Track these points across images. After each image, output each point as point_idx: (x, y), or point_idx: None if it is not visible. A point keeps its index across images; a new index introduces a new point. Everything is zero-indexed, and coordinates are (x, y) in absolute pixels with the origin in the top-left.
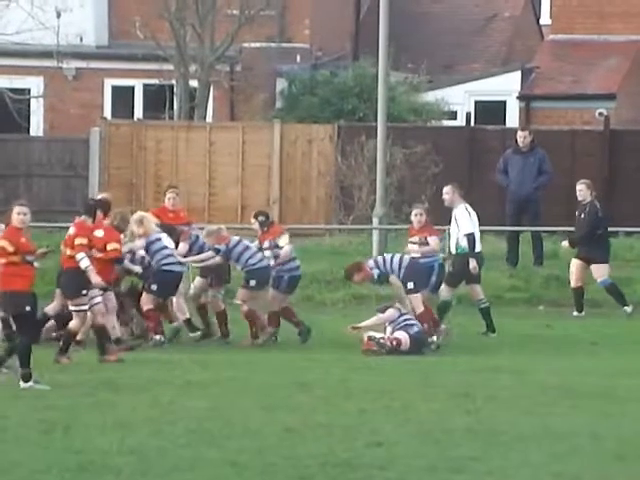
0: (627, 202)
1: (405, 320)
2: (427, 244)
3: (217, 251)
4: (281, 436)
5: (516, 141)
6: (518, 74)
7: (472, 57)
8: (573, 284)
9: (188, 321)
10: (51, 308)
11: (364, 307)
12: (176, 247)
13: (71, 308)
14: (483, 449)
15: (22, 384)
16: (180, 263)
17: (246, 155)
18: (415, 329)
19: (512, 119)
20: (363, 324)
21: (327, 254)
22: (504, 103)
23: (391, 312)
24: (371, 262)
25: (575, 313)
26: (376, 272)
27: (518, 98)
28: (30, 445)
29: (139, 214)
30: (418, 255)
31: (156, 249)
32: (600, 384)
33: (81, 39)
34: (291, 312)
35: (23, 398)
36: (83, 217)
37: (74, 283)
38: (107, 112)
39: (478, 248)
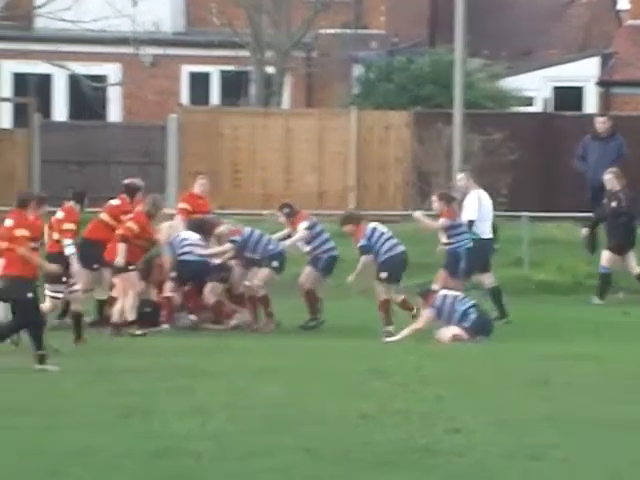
0: None
1: (454, 311)
2: (455, 229)
3: (233, 242)
4: (357, 422)
5: (595, 127)
6: (596, 60)
7: (550, 43)
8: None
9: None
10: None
11: None
12: (206, 239)
13: (46, 292)
14: (561, 436)
15: (37, 366)
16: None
17: (323, 142)
18: (471, 318)
19: (590, 105)
20: (401, 335)
21: (404, 240)
22: (582, 89)
23: (428, 315)
24: (369, 230)
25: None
26: (363, 242)
27: (597, 84)
28: (109, 429)
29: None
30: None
31: (178, 244)
32: None
33: (158, 26)
34: (314, 297)
35: (100, 383)
36: (72, 202)
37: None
38: (184, 99)
39: (489, 235)
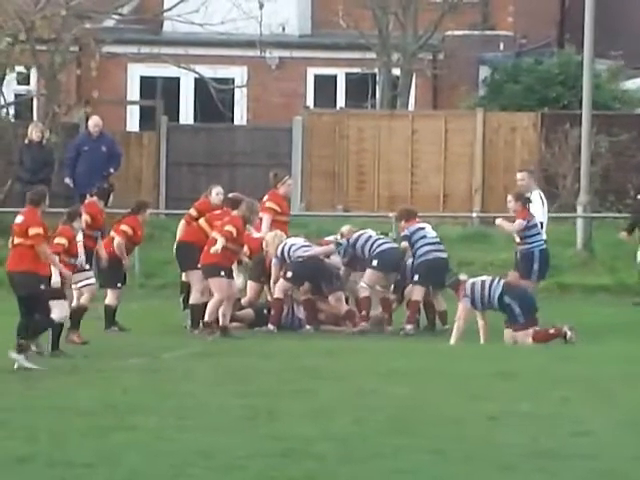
0: None
1: (488, 295)
2: (530, 230)
3: (339, 245)
4: (484, 424)
5: None
6: None
7: None
8: None
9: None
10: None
11: (567, 297)
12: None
13: (77, 285)
14: None
15: (13, 354)
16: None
17: (448, 143)
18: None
19: None
20: (453, 339)
21: None
22: None
23: (463, 306)
24: (414, 228)
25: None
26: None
27: None
28: (233, 431)
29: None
30: (519, 242)
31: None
32: None
33: (284, 29)
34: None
35: (225, 384)
36: (95, 198)
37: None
38: (309, 101)
39: (544, 237)
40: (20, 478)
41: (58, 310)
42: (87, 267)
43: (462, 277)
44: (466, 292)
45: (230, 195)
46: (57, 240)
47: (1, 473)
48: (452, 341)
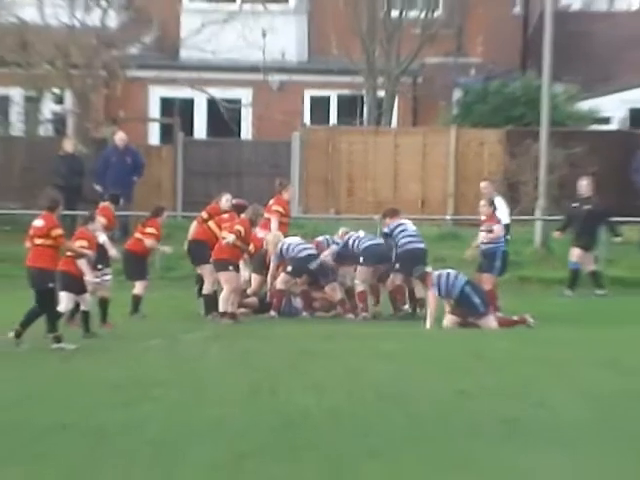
0: None
1: (453, 286)
2: (492, 231)
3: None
4: (456, 396)
5: None
6: None
7: (626, 69)
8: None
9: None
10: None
11: (527, 288)
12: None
13: (104, 278)
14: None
15: (54, 345)
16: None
17: (426, 156)
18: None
19: None
20: (428, 323)
21: None
22: None
23: (432, 295)
24: (395, 224)
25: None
26: (338, 242)
27: None
28: (241, 403)
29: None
30: (486, 241)
31: (286, 249)
32: None
33: (284, 56)
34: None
35: (232, 363)
36: (107, 203)
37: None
38: (306, 119)
39: (508, 237)
40: (62, 443)
41: (66, 301)
42: (100, 265)
43: (429, 269)
44: (433, 282)
45: (234, 201)
46: (79, 243)
47: (45, 439)
48: (427, 325)
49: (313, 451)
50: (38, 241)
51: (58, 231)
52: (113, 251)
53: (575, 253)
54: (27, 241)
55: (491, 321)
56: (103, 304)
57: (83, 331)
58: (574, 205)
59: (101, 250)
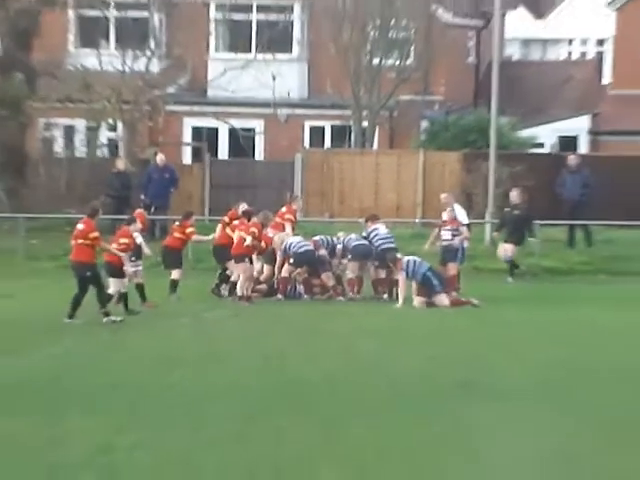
0: None
1: (416, 272)
2: (458, 231)
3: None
4: (425, 362)
5: (568, 163)
6: (588, 117)
7: (556, 105)
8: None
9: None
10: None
11: (480, 276)
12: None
13: (133, 268)
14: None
15: (105, 319)
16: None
17: (400, 173)
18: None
19: (583, 148)
20: (400, 301)
21: None
22: (577, 137)
23: (402, 277)
24: (371, 228)
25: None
26: (364, 234)
27: (588, 133)
28: (254, 369)
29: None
30: (457, 242)
31: (289, 246)
32: None
33: (289, 94)
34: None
35: (247, 336)
36: (141, 210)
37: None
38: (306, 144)
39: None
40: (115, 399)
41: (114, 285)
42: (133, 258)
43: (399, 256)
44: (402, 267)
45: (243, 209)
46: (122, 240)
47: (100, 395)
48: (399, 304)
49: (311, 409)
50: (79, 241)
51: (95, 234)
52: (147, 250)
53: (509, 248)
54: (72, 240)
55: (444, 299)
56: (140, 288)
57: (124, 308)
58: (507, 210)
59: (136, 246)
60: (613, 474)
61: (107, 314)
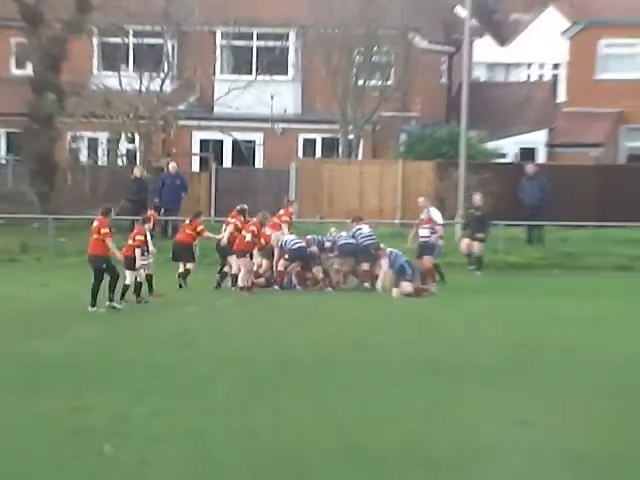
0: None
1: (396, 262)
2: (435, 230)
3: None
4: (400, 347)
5: (527, 171)
6: (545, 131)
7: (518, 121)
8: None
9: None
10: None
11: (452, 270)
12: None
13: (143, 262)
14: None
15: (111, 304)
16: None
17: (382, 180)
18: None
19: (541, 158)
20: (380, 284)
21: None
22: (536, 149)
23: (384, 264)
24: (356, 228)
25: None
26: (350, 233)
27: (546, 146)
28: (253, 348)
29: (275, 239)
30: (433, 239)
31: (285, 243)
32: None
33: (285, 110)
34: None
35: (249, 322)
36: (152, 211)
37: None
38: (300, 154)
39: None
40: (131, 375)
41: (129, 276)
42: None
43: (382, 246)
44: (385, 254)
45: (239, 208)
46: (138, 237)
47: (115, 372)
48: (378, 286)
49: (303, 384)
50: (95, 236)
51: (105, 230)
52: (152, 247)
53: (474, 245)
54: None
55: (408, 287)
56: (149, 279)
57: (136, 296)
58: (470, 211)
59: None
60: (565, 436)
61: (111, 300)
